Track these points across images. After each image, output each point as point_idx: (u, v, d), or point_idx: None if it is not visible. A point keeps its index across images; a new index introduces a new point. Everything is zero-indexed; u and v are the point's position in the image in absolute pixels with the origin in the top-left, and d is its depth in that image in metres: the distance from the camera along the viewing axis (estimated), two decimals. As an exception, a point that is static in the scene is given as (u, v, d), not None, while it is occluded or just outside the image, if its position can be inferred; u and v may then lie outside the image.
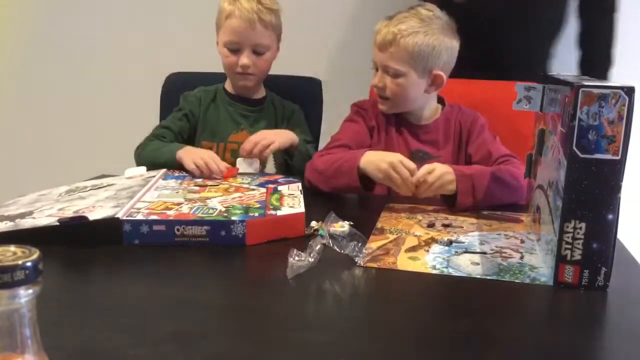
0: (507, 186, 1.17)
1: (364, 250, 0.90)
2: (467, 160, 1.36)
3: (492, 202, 1.15)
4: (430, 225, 1.06)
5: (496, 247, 0.96)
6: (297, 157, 1.39)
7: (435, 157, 1.35)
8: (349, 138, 1.34)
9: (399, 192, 1.17)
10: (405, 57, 1.28)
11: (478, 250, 0.94)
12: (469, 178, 1.14)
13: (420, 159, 1.33)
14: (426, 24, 1.29)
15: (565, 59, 2.13)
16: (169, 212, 0.96)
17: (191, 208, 0.99)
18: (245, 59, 1.39)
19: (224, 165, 1.25)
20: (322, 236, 0.91)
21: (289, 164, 1.41)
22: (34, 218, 0.96)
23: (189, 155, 1.28)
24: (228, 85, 1.50)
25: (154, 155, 1.35)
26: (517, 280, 0.83)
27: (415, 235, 1.01)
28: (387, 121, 1.39)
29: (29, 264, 0.37)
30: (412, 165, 1.15)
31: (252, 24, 1.37)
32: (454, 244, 0.97)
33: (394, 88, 1.31)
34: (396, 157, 1.16)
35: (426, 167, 1.15)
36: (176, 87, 1.60)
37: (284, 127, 1.48)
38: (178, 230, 0.93)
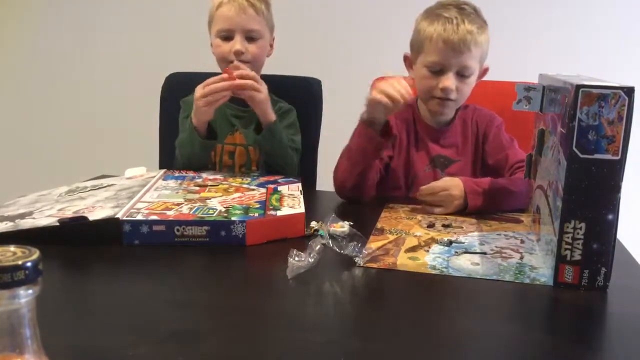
0: (517, 196, 1.16)
1: (363, 251, 0.90)
2: (483, 161, 1.34)
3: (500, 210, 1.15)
4: (430, 226, 1.06)
5: (496, 247, 0.96)
6: (268, 137, 1.33)
7: (456, 161, 1.33)
8: None
9: (395, 104, 1.12)
10: (479, 56, 1.25)
11: (478, 250, 0.94)
12: (480, 196, 1.14)
13: (441, 164, 1.32)
14: (481, 18, 1.25)
15: (564, 58, 2.13)
16: (168, 213, 0.96)
17: (191, 208, 0.99)
18: (238, 45, 1.37)
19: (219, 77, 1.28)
20: (322, 236, 0.91)
21: (258, 141, 1.35)
22: (34, 218, 0.96)
23: (194, 102, 1.29)
24: None
25: (183, 148, 1.35)
26: (517, 281, 0.83)
27: (415, 236, 1.01)
28: (406, 128, 1.33)
29: (29, 264, 0.37)
30: (404, 84, 1.12)
31: (243, 9, 1.37)
32: (453, 244, 0.97)
33: (464, 89, 1.26)
34: (387, 83, 1.12)
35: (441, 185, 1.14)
36: (176, 87, 1.60)
37: None
38: (178, 230, 0.93)
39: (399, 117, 1.32)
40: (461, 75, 1.24)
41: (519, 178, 1.19)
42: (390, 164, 1.32)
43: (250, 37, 1.40)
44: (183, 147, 1.36)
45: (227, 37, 1.39)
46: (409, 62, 1.34)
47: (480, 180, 1.19)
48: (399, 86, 1.12)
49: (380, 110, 1.14)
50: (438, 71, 1.24)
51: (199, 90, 1.29)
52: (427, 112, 1.34)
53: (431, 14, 1.26)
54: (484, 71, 1.31)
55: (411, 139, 1.33)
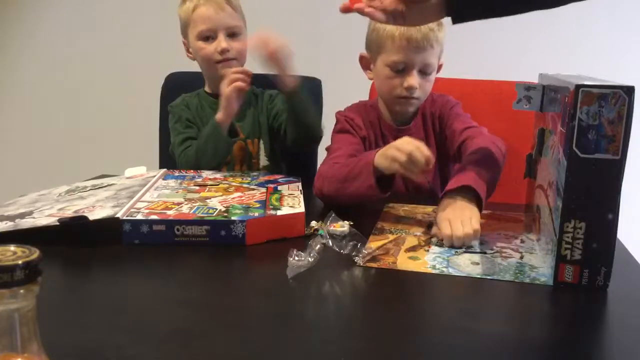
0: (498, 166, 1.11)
1: (363, 250, 0.90)
2: (439, 144, 1.31)
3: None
4: (430, 226, 1.06)
5: (496, 246, 0.96)
6: (300, 102, 1.35)
7: None
8: (347, 155, 1.21)
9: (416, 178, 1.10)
10: (439, 53, 1.24)
11: (478, 250, 0.94)
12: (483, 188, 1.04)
13: None
14: None
15: (564, 57, 2.13)
16: (169, 212, 0.96)
17: (191, 208, 0.99)
18: (223, 43, 1.37)
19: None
20: (322, 236, 0.91)
21: (296, 109, 1.34)
22: (34, 218, 0.96)
23: (222, 96, 1.31)
24: (208, 88, 1.49)
25: (203, 153, 1.33)
26: (517, 280, 0.83)
27: (415, 235, 1.01)
28: (373, 130, 1.32)
29: (29, 263, 0.37)
30: (427, 152, 1.00)
31: (221, 7, 1.38)
32: (454, 244, 0.96)
33: (427, 86, 1.25)
34: (412, 145, 1.01)
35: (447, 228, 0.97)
36: (176, 87, 1.60)
37: (269, 112, 1.47)
38: (178, 230, 0.93)
39: (366, 119, 1.31)
40: (423, 72, 1.23)
41: (485, 151, 1.12)
42: None
43: (232, 34, 1.40)
44: (204, 151, 1.33)
45: (209, 37, 1.39)
46: (365, 62, 1.31)
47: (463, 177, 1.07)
48: (422, 154, 1.01)
49: (395, 167, 1.03)
50: (401, 70, 1.23)
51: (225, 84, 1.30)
52: (388, 113, 1.32)
53: None
54: (439, 67, 1.29)
55: (379, 142, 1.31)
